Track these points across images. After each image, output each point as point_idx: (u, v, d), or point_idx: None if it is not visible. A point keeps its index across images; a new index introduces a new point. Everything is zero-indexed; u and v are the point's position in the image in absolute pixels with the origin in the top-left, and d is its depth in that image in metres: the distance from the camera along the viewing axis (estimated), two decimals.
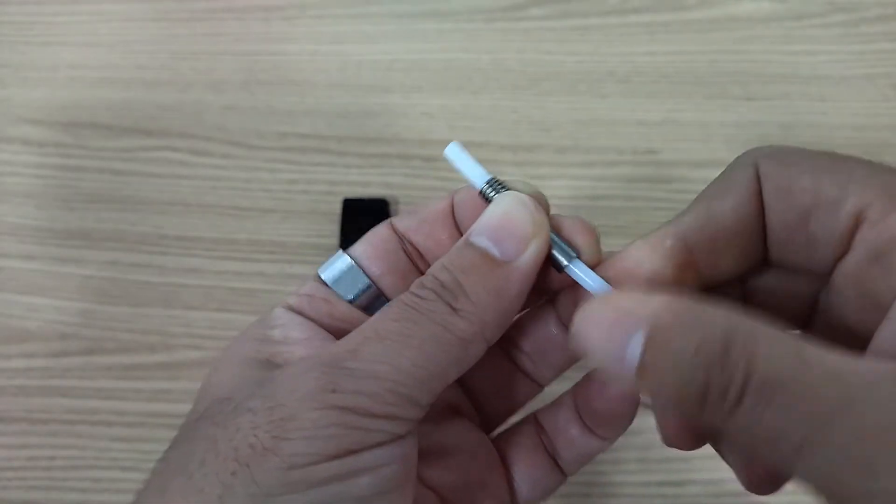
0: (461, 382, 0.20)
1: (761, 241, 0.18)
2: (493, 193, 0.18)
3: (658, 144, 0.46)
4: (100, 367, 0.42)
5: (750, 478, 0.18)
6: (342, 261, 0.19)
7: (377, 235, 0.20)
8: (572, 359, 0.20)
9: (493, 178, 0.19)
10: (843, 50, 0.48)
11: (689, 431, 0.18)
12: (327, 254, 0.44)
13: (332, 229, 0.44)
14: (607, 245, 0.44)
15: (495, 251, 0.17)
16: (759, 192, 0.17)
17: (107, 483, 0.40)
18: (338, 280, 0.19)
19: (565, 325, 0.19)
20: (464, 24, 0.50)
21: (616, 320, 0.14)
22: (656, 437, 0.39)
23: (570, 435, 0.20)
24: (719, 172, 0.49)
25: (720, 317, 0.14)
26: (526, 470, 0.20)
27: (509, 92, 0.48)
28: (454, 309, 0.16)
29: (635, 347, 0.14)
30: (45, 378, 0.42)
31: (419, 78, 0.49)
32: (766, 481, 0.18)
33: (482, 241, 0.17)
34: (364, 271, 0.19)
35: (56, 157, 0.48)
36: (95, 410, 0.41)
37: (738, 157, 0.18)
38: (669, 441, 0.19)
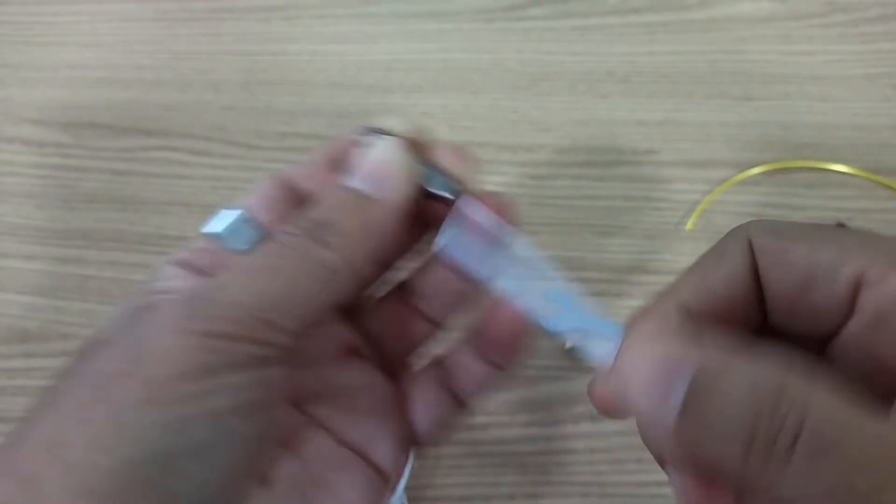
0: (359, 325, 0.22)
1: (760, 310, 0.18)
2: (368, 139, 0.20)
3: (658, 144, 0.46)
4: None
5: None
6: (231, 213, 0.20)
7: (263, 187, 0.21)
8: (465, 296, 0.21)
9: (373, 127, 0.20)
10: (843, 50, 0.48)
11: (712, 495, 0.17)
12: None
13: None
14: (607, 245, 0.44)
15: (367, 188, 0.18)
16: (754, 265, 0.17)
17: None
18: (230, 231, 0.19)
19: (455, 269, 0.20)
20: (464, 25, 0.50)
21: (660, 364, 0.14)
22: None
23: (462, 362, 0.21)
24: (719, 172, 0.50)
25: (772, 363, 0.14)
26: (424, 403, 0.21)
27: (509, 92, 0.48)
28: (323, 242, 0.17)
29: (679, 393, 0.14)
30: (45, 378, 0.42)
31: (419, 78, 0.49)
32: None
33: (354, 182, 0.18)
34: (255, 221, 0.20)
35: (56, 157, 0.48)
36: None
37: (730, 231, 0.18)
38: None
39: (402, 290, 0.22)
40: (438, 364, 0.22)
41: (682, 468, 0.16)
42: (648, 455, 0.39)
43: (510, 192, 0.45)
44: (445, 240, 0.20)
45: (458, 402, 0.21)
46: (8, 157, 0.48)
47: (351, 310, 0.22)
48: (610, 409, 0.18)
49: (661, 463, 0.18)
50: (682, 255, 0.43)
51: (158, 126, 0.48)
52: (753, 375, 0.14)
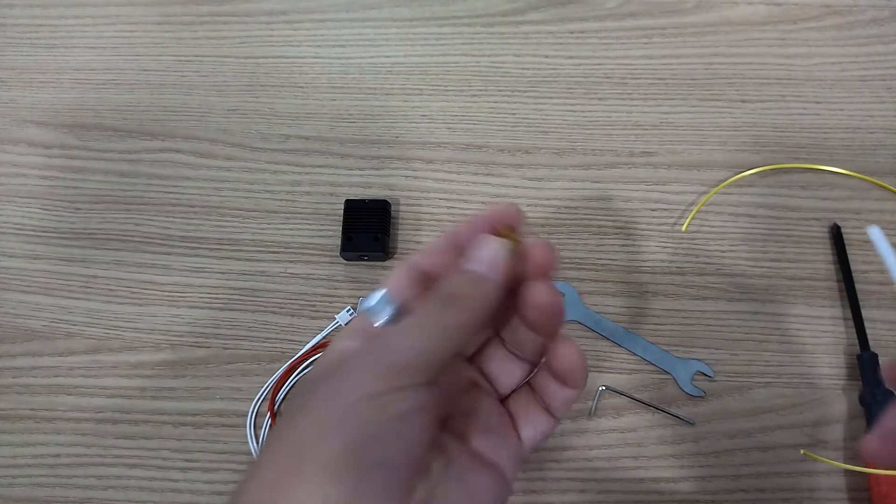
0: (477, 365, 0.29)
1: None
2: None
3: (654, 147, 0.46)
4: (105, 366, 0.43)
5: None
6: (378, 293, 0.26)
7: (398, 272, 0.27)
8: (542, 345, 0.28)
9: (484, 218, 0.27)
10: (837, 53, 0.49)
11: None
12: (330, 254, 0.44)
13: (335, 230, 0.45)
14: (604, 245, 0.44)
15: (484, 271, 0.25)
16: None
17: (111, 480, 0.41)
18: (375, 306, 0.26)
19: (530, 324, 0.26)
20: (463, 29, 0.51)
21: None
22: (650, 435, 0.40)
23: (550, 389, 0.27)
24: (715, 173, 0.50)
25: None
26: (526, 419, 0.28)
27: (508, 95, 0.48)
28: (455, 308, 0.24)
29: None
30: (50, 376, 0.43)
31: (419, 81, 0.49)
32: None
33: (471, 265, 0.25)
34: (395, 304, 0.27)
35: (61, 158, 0.48)
36: (100, 408, 0.42)
37: None
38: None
39: (500, 338, 0.29)
40: (532, 389, 0.28)
41: None
42: (644, 452, 0.40)
43: (509, 194, 0.46)
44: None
45: (553, 416, 0.28)
46: (14, 159, 0.49)
47: (470, 355, 0.29)
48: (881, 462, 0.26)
49: None
50: (678, 256, 0.44)
51: (163, 128, 0.49)
52: None
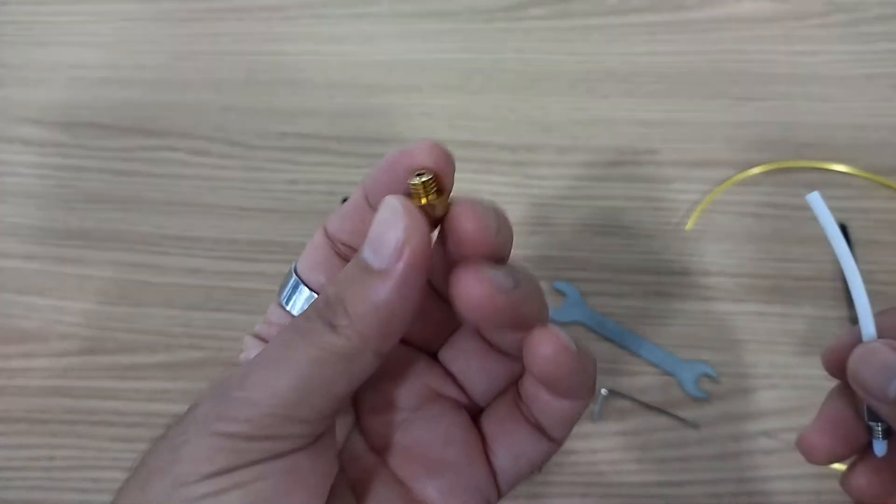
0: (440, 363, 0.21)
1: None
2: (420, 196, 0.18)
3: (658, 144, 0.46)
4: (100, 368, 0.42)
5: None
6: (290, 280, 0.21)
7: (314, 245, 0.21)
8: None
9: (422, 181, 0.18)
10: (843, 50, 0.48)
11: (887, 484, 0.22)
12: None
13: None
14: (607, 245, 0.44)
15: (374, 262, 0.17)
16: None
17: (107, 483, 0.40)
18: (289, 300, 0.21)
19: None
20: (464, 25, 0.50)
21: (883, 365, 0.20)
22: (654, 438, 0.39)
23: (540, 398, 0.19)
24: (719, 172, 0.50)
25: None
26: (507, 444, 0.20)
27: (509, 92, 0.48)
28: (333, 326, 0.17)
29: (894, 387, 0.19)
30: (45, 378, 0.42)
31: (419, 78, 0.49)
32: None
33: (365, 253, 0.17)
34: (305, 284, 0.20)
35: (56, 157, 0.48)
36: (95, 411, 0.41)
37: None
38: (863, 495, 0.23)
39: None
40: (516, 394, 0.20)
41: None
42: (648, 456, 0.39)
43: (511, 192, 0.45)
44: None
45: (546, 436, 0.20)
46: (8, 157, 0.48)
47: (430, 345, 0.22)
48: (833, 370, 0.22)
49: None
50: (683, 255, 0.43)
51: (158, 126, 0.48)
52: None
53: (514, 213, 0.45)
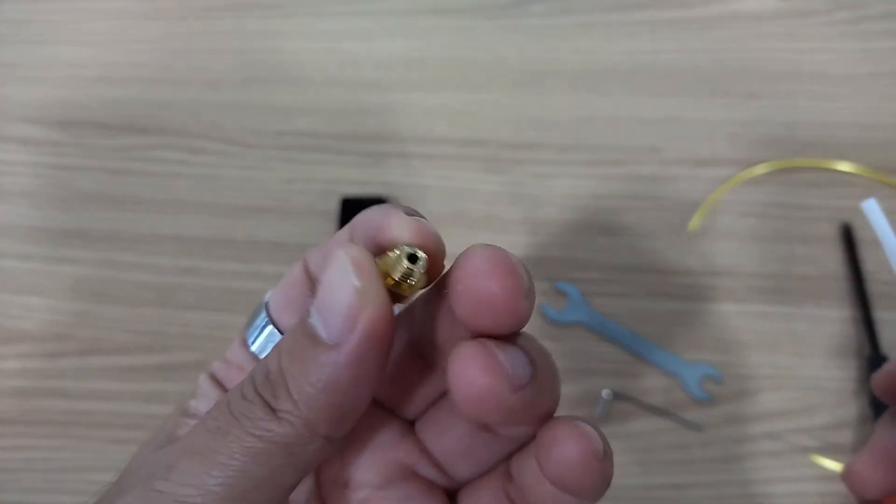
0: (414, 436, 0.18)
1: None
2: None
3: (661, 142, 0.45)
4: (96, 369, 0.42)
5: None
6: (258, 315, 0.18)
7: (290, 281, 0.18)
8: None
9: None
10: (847, 48, 0.48)
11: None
12: None
13: (331, 228, 0.44)
14: (610, 244, 0.43)
15: (321, 331, 0.14)
16: None
17: (103, 485, 0.40)
18: (253, 336, 0.18)
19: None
20: (464, 21, 0.50)
21: None
22: (657, 440, 0.39)
23: (540, 488, 0.15)
24: (723, 170, 0.49)
25: None
26: None
27: (510, 89, 0.47)
28: (273, 410, 0.14)
29: None
30: (40, 379, 0.42)
31: (419, 75, 0.48)
32: None
33: (313, 317, 0.14)
34: (274, 323, 0.18)
35: (52, 155, 0.47)
36: (91, 412, 0.41)
37: None
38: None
39: None
40: (505, 476, 0.17)
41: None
42: (651, 458, 0.39)
43: (512, 191, 0.45)
44: None
45: None
46: (3, 156, 0.48)
47: (405, 410, 0.18)
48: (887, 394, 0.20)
49: None
50: (686, 255, 0.43)
51: (155, 124, 0.48)
52: None
53: (515, 213, 0.44)
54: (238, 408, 0.14)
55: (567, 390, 0.40)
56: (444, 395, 0.18)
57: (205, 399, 0.18)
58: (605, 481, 0.15)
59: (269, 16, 0.51)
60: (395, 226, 0.15)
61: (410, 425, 0.18)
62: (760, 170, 0.44)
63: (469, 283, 0.14)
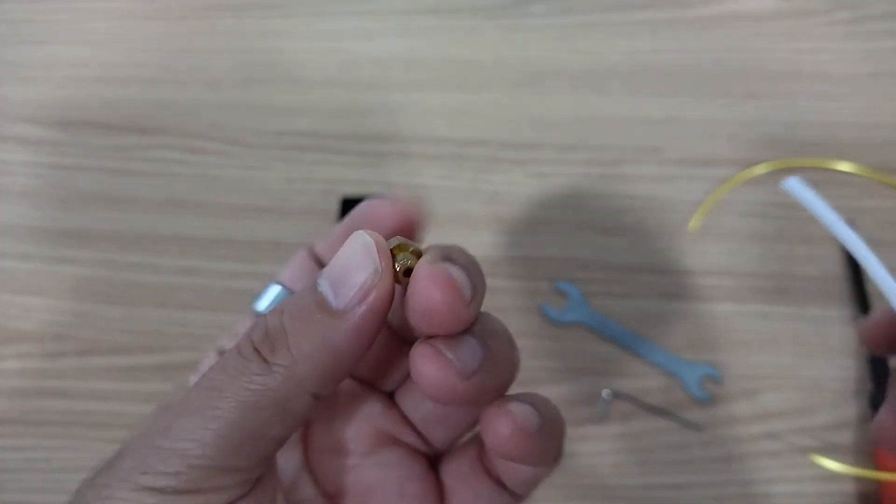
0: (396, 405, 0.20)
1: None
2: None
3: (661, 142, 0.45)
4: (95, 369, 0.42)
5: None
6: (273, 289, 0.19)
7: (298, 261, 0.20)
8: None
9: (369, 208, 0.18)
10: (847, 47, 0.48)
11: None
12: None
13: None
14: (610, 244, 0.43)
15: (332, 299, 0.15)
16: None
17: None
18: (259, 300, 0.19)
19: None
20: (464, 21, 0.50)
21: None
22: (657, 440, 0.39)
23: (505, 462, 0.18)
24: (723, 170, 0.49)
25: None
26: (467, 499, 0.19)
27: (510, 89, 0.47)
28: (267, 363, 0.15)
29: None
30: (40, 379, 0.42)
31: (419, 75, 0.48)
32: None
33: (323, 286, 0.16)
34: (282, 284, 0.20)
35: (52, 155, 0.47)
36: (91, 412, 0.41)
37: None
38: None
39: None
40: (480, 445, 0.19)
41: None
42: (651, 458, 0.39)
43: (512, 191, 0.45)
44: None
45: (508, 493, 0.19)
46: (3, 156, 0.48)
47: (386, 384, 0.20)
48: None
49: None
50: (686, 255, 0.43)
51: (155, 124, 0.48)
52: None
53: (516, 213, 0.44)
54: (234, 364, 0.16)
55: (567, 390, 0.40)
56: None
57: None
58: (546, 450, 0.17)
59: (269, 15, 0.51)
60: (398, 219, 0.17)
61: (391, 398, 0.20)
62: (760, 170, 0.44)
63: (416, 298, 0.15)
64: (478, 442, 0.19)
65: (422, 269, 0.15)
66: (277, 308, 0.16)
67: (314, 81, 0.48)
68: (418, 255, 0.16)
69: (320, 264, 0.20)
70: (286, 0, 0.51)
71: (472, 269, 0.16)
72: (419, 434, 0.20)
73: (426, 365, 0.15)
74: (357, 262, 0.15)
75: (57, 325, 0.43)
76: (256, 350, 0.16)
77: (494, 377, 0.16)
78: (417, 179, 0.45)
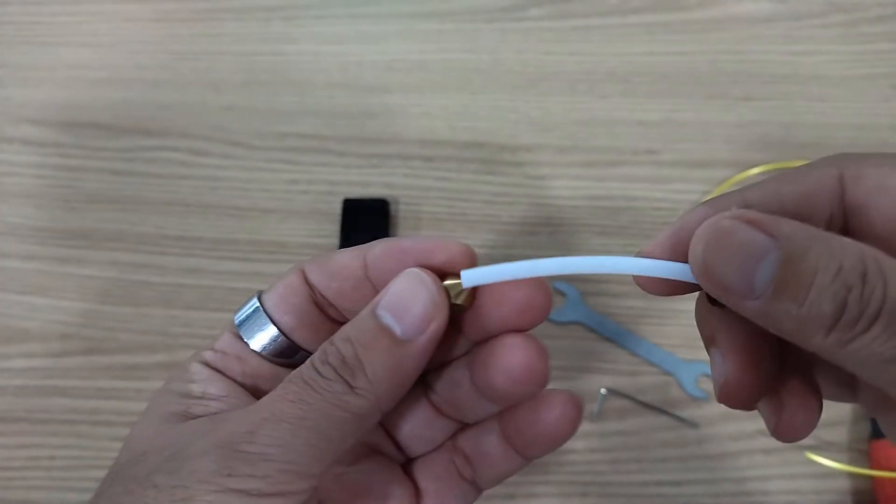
0: (381, 424, 0.22)
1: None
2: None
3: (658, 144, 0.46)
4: (100, 367, 0.42)
5: (790, 421, 0.18)
6: (257, 315, 0.20)
7: (288, 285, 0.21)
8: (488, 411, 0.21)
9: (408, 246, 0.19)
10: (842, 50, 0.48)
11: (756, 385, 0.18)
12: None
13: (333, 229, 0.44)
14: (607, 245, 0.44)
15: (397, 329, 0.18)
16: (838, 192, 0.18)
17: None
18: (251, 333, 0.20)
19: (477, 384, 0.20)
20: (464, 25, 0.50)
21: (744, 242, 0.15)
22: (654, 437, 0.39)
23: (493, 458, 0.20)
24: (719, 172, 0.49)
25: (851, 243, 0.15)
26: (442, 499, 0.21)
27: (509, 92, 0.48)
28: (351, 387, 0.17)
29: (767, 269, 0.15)
30: (45, 378, 0.42)
31: (419, 78, 0.48)
32: (803, 426, 0.18)
33: (386, 318, 0.18)
34: (275, 323, 0.20)
35: (56, 157, 0.48)
36: (96, 410, 0.41)
37: (818, 159, 0.18)
38: (732, 395, 0.18)
39: (423, 386, 0.21)
40: (457, 451, 0.21)
41: (730, 350, 0.18)
42: (647, 455, 0.39)
43: (511, 193, 0.45)
44: None
45: (477, 489, 0.21)
46: (8, 157, 0.48)
47: None
48: (650, 286, 0.19)
49: (708, 344, 0.19)
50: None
51: (158, 126, 0.48)
52: (841, 251, 0.14)
53: (515, 214, 0.45)
54: (319, 384, 0.17)
55: (565, 388, 0.40)
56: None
57: (207, 384, 0.20)
58: (546, 378, 0.19)
59: (271, 18, 0.51)
60: (452, 255, 0.19)
61: None
62: (757, 171, 0.45)
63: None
64: (450, 449, 0.21)
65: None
66: (346, 339, 0.18)
67: (316, 84, 0.49)
68: (461, 289, 0.18)
69: (315, 292, 0.20)
70: (289, 3, 0.51)
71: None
72: (398, 446, 0.22)
73: (517, 351, 0.18)
74: (414, 295, 0.18)
75: (62, 325, 0.43)
76: (340, 375, 0.17)
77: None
78: (418, 181, 0.45)
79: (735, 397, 0.18)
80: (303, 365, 0.18)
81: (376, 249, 0.19)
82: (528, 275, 0.18)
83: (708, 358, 0.40)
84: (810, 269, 0.14)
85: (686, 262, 0.17)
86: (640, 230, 0.44)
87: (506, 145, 0.46)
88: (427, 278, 0.18)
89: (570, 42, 0.49)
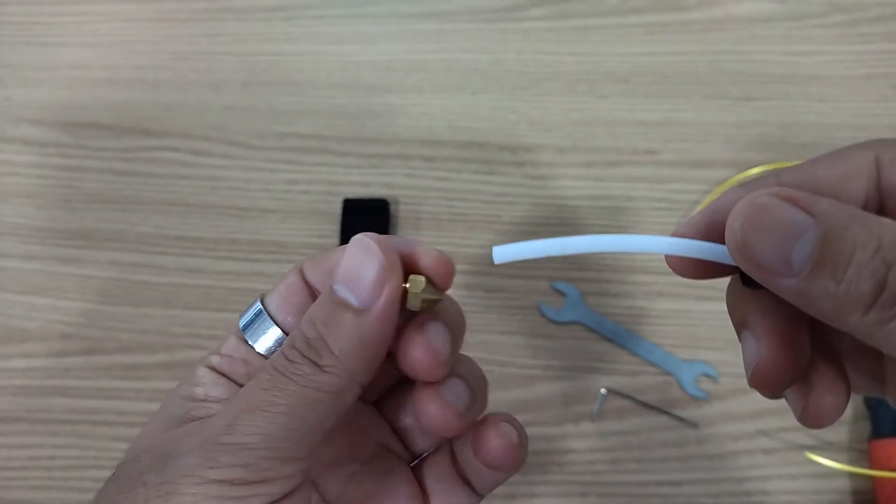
0: (391, 416, 0.23)
1: None
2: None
3: (658, 144, 0.46)
4: (100, 367, 0.42)
5: (818, 404, 0.18)
6: (260, 318, 0.21)
7: (288, 286, 0.21)
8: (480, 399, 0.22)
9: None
10: (842, 50, 0.48)
11: (789, 368, 0.18)
12: None
13: (333, 229, 0.44)
14: None
15: (353, 300, 0.18)
16: (874, 175, 0.18)
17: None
18: (256, 336, 0.21)
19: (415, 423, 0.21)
20: (464, 25, 0.50)
21: (783, 218, 0.15)
22: (654, 437, 0.39)
23: (476, 467, 0.21)
24: (719, 172, 0.49)
25: (890, 222, 0.14)
26: (445, 499, 0.22)
27: (509, 92, 0.48)
28: (319, 366, 0.17)
29: (805, 246, 0.14)
30: (45, 378, 0.42)
31: (419, 78, 0.49)
32: (831, 410, 0.18)
33: (342, 291, 0.18)
34: (278, 325, 0.21)
35: (56, 157, 0.48)
36: (96, 410, 0.41)
37: (856, 144, 0.18)
38: (764, 379, 0.18)
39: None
40: (451, 454, 0.22)
41: (764, 333, 0.17)
42: (647, 455, 0.39)
43: (511, 193, 0.45)
44: None
45: (475, 493, 0.22)
46: (8, 158, 0.48)
47: (371, 395, 0.23)
48: (681, 267, 0.18)
49: (740, 328, 0.18)
50: None
51: (159, 126, 0.48)
52: (879, 229, 0.14)
53: (514, 214, 0.45)
54: (289, 369, 0.18)
55: (564, 388, 0.40)
56: (400, 380, 0.22)
57: (211, 387, 0.20)
58: (522, 458, 0.21)
59: (271, 19, 0.51)
60: (422, 255, 0.19)
61: (376, 408, 0.23)
62: (757, 171, 0.45)
63: (407, 354, 0.18)
64: (450, 449, 0.22)
65: (410, 334, 0.18)
66: (308, 321, 0.18)
67: (316, 84, 0.49)
68: (430, 294, 0.18)
69: (312, 291, 0.21)
70: (289, 3, 0.51)
71: (454, 322, 0.19)
72: (404, 444, 0.23)
73: (428, 408, 0.19)
74: (362, 260, 0.18)
75: (62, 325, 0.43)
76: (306, 357, 0.18)
77: (477, 410, 0.20)
78: (418, 181, 0.46)
79: (767, 381, 0.18)
80: (274, 354, 0.19)
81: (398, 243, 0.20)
82: (558, 252, 0.17)
83: (707, 358, 0.40)
84: (849, 247, 0.14)
85: (719, 242, 0.17)
86: (641, 230, 0.44)
87: (506, 145, 0.46)
88: (373, 244, 0.18)
89: (569, 42, 0.49)
